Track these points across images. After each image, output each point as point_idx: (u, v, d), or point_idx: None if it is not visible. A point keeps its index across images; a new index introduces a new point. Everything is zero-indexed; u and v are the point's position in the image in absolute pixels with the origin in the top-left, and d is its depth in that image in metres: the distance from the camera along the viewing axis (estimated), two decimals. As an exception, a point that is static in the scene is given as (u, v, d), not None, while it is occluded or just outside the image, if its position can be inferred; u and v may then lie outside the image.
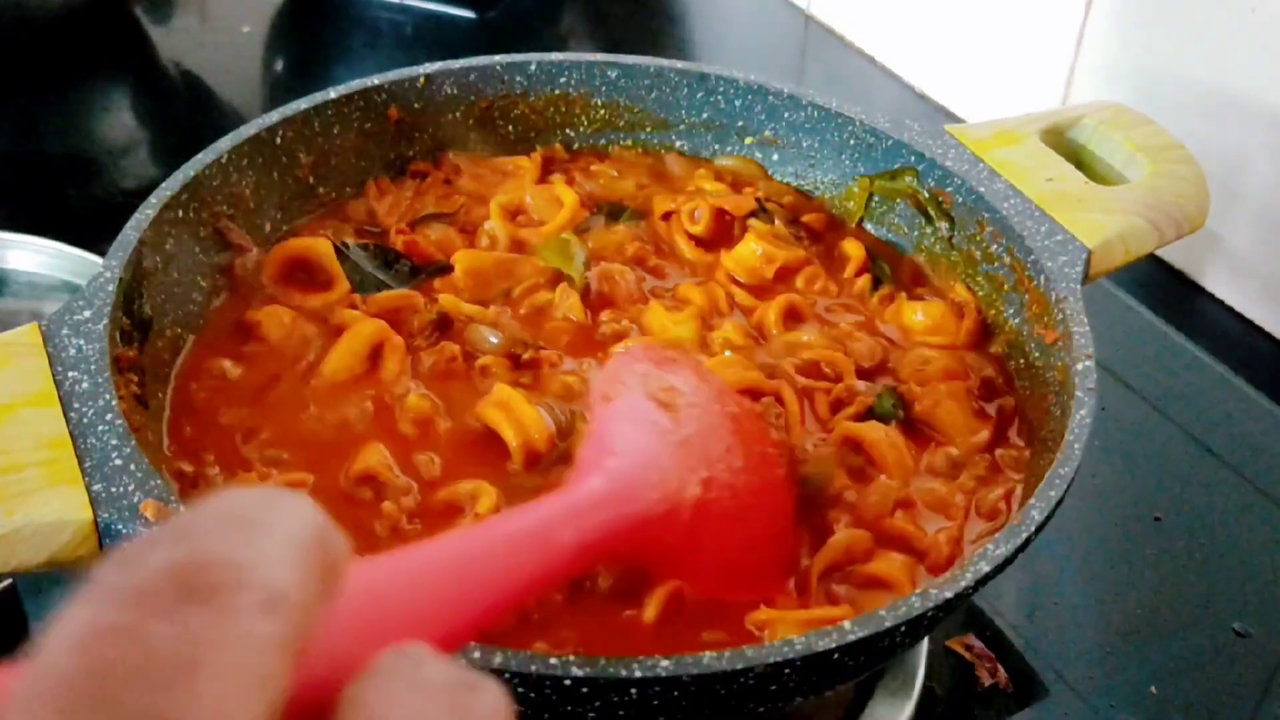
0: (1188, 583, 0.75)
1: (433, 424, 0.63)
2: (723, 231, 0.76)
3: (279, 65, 1.26)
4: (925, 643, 0.67)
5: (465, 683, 0.26)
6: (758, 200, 0.77)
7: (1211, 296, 0.98)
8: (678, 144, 0.83)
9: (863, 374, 0.68)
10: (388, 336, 0.66)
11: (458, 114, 0.80)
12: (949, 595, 0.50)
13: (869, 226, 0.79)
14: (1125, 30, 0.98)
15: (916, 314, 0.72)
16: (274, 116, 0.72)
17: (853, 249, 0.76)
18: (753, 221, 0.76)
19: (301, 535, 0.25)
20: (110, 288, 0.60)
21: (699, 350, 0.68)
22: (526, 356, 0.66)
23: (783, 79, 0.80)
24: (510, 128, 0.82)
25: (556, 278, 0.72)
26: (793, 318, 0.72)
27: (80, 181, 1.06)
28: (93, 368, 0.57)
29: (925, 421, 0.66)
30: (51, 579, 0.65)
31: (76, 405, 0.55)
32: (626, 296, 0.72)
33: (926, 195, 0.75)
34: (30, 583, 0.67)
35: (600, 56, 0.81)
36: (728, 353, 0.68)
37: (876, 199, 0.78)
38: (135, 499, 0.51)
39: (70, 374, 0.56)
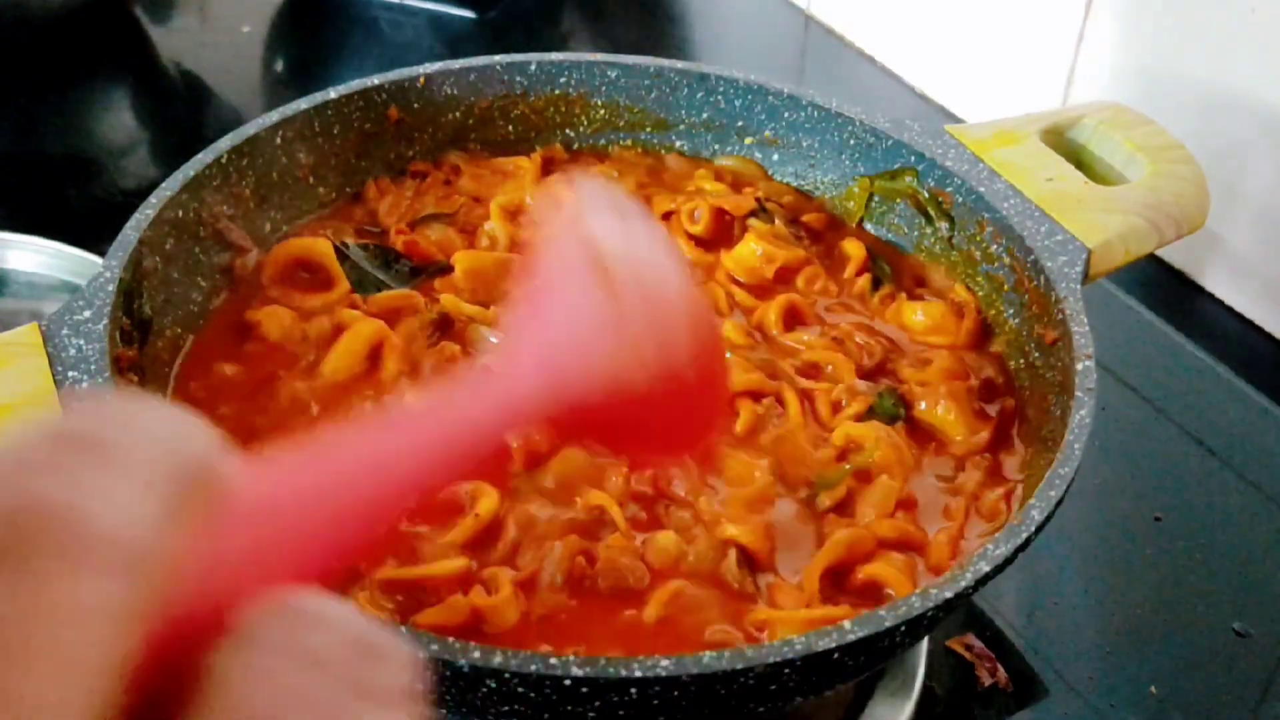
0: (1188, 583, 0.75)
1: (433, 424, 0.63)
2: (723, 231, 0.76)
3: (279, 65, 1.26)
4: (925, 643, 0.67)
5: (361, 649, 0.22)
6: (758, 200, 0.77)
7: (1211, 296, 0.98)
8: (678, 144, 0.83)
9: (863, 374, 0.68)
10: (387, 337, 0.66)
11: (458, 114, 0.80)
12: (949, 595, 0.50)
13: (869, 226, 0.79)
14: (1125, 30, 0.98)
15: (916, 314, 0.72)
16: (274, 116, 0.72)
17: (853, 249, 0.76)
18: (753, 221, 0.76)
19: (166, 459, 0.21)
20: (110, 288, 0.60)
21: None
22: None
23: (783, 79, 0.80)
24: (510, 128, 0.82)
25: (556, 278, 0.72)
26: (793, 318, 0.72)
27: (80, 181, 1.06)
28: (93, 368, 0.57)
29: (925, 421, 0.66)
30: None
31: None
32: (626, 296, 0.72)
33: (926, 195, 0.75)
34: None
35: (600, 56, 0.81)
36: (728, 354, 0.68)
37: (876, 199, 0.78)
38: (135, 499, 0.51)
39: (70, 374, 0.56)
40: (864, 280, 0.74)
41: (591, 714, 0.48)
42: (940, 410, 0.66)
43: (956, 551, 0.59)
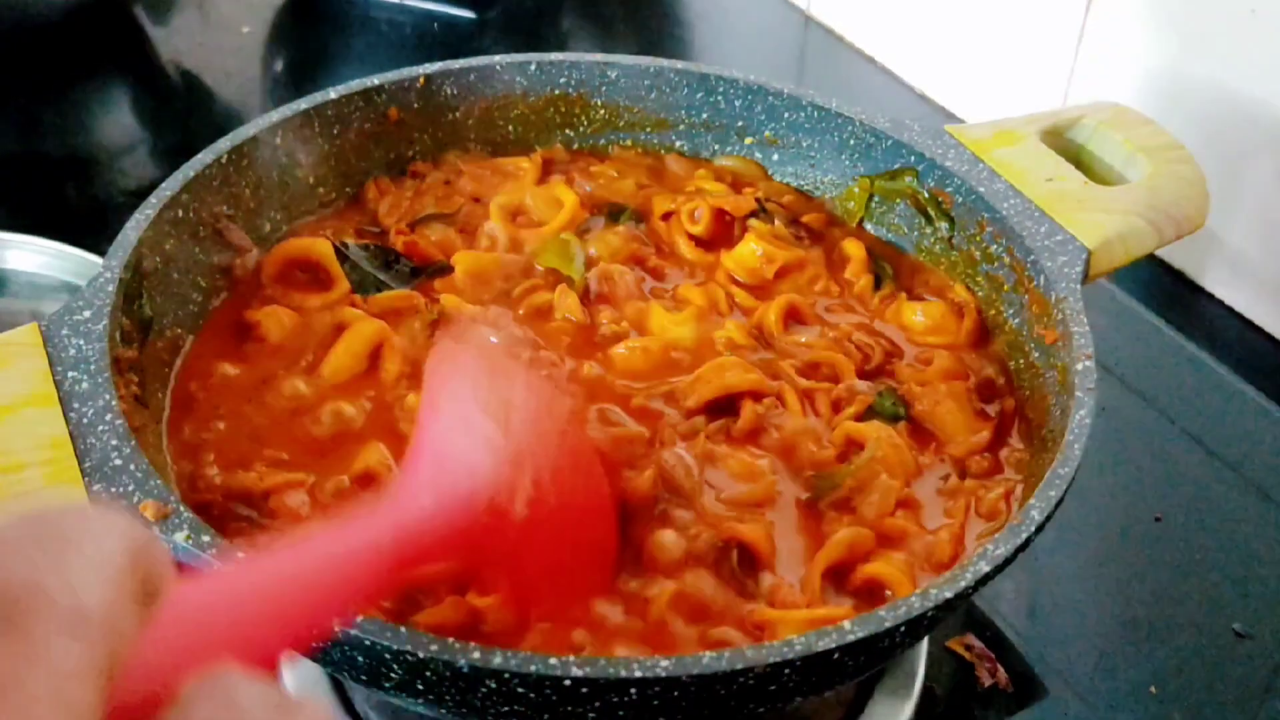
0: (1188, 583, 0.75)
1: (433, 424, 0.63)
2: (723, 232, 0.76)
3: (279, 65, 1.26)
4: (925, 643, 0.67)
5: (280, 705, 0.26)
6: (758, 200, 0.77)
7: (1211, 296, 0.98)
8: (678, 144, 0.83)
9: (863, 374, 0.68)
10: (388, 337, 0.66)
11: (458, 114, 0.80)
12: (949, 595, 0.50)
13: (869, 226, 0.79)
14: (1125, 30, 0.98)
15: (916, 314, 0.72)
16: (274, 116, 0.73)
17: (853, 249, 0.76)
18: (753, 222, 0.76)
19: (115, 552, 0.25)
20: (110, 288, 0.60)
21: (699, 350, 0.68)
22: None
23: (783, 79, 0.80)
24: (510, 128, 0.82)
25: (556, 278, 0.72)
26: (793, 318, 0.72)
27: (80, 181, 1.06)
28: (93, 368, 0.57)
29: (926, 421, 0.66)
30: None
31: (76, 405, 0.55)
32: (626, 297, 0.72)
33: (926, 195, 0.75)
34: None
35: (600, 56, 0.81)
36: (728, 353, 0.68)
37: (876, 199, 0.78)
38: (135, 499, 0.51)
39: (70, 374, 0.56)
40: (865, 280, 0.74)
41: (591, 714, 0.48)
42: (940, 410, 0.66)
43: (958, 551, 0.59)
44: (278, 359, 0.66)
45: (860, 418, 0.65)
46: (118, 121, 1.16)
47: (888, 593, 0.57)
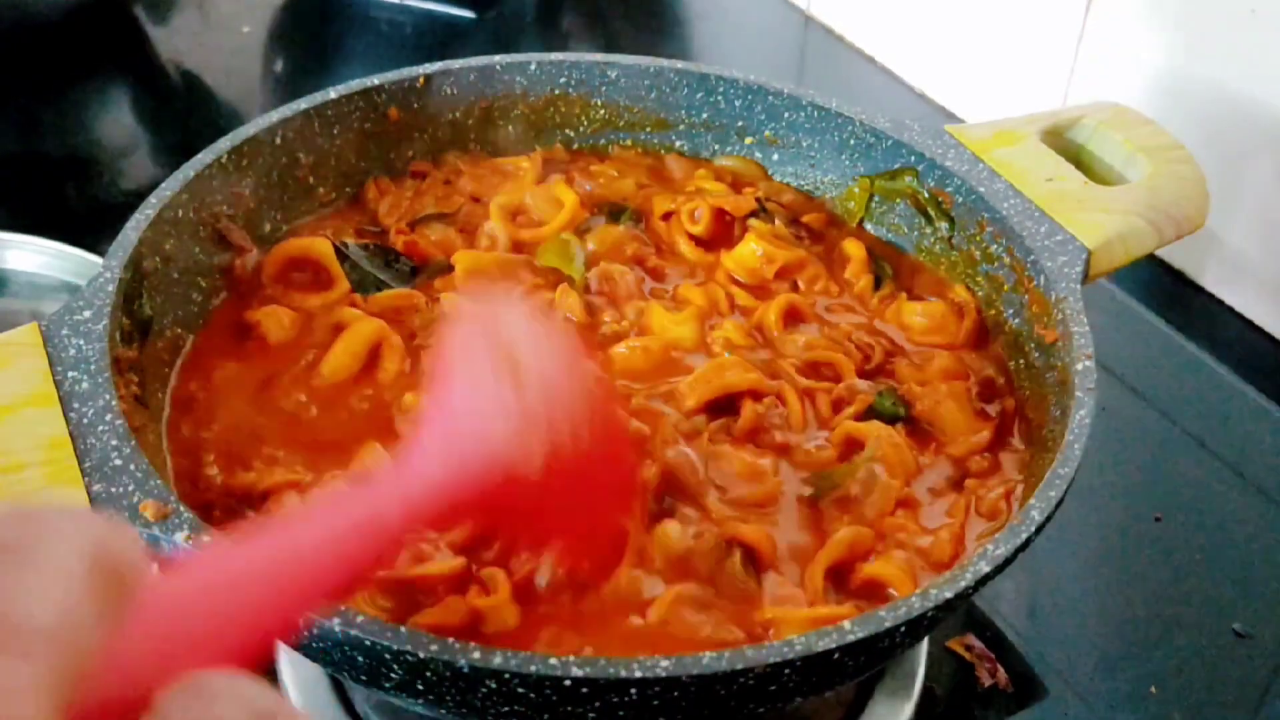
0: (1188, 583, 0.75)
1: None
2: (723, 232, 0.76)
3: (279, 65, 1.26)
4: (925, 643, 0.67)
5: (262, 713, 0.25)
6: (758, 200, 0.77)
7: (1211, 296, 0.98)
8: (678, 144, 0.83)
9: (863, 374, 0.68)
10: (386, 337, 0.66)
11: (458, 114, 0.80)
12: (949, 595, 0.50)
13: (869, 226, 0.79)
14: (1125, 30, 0.98)
15: (916, 314, 0.72)
16: (274, 116, 0.73)
17: (853, 249, 0.76)
18: (753, 222, 0.76)
19: (76, 558, 0.24)
20: (110, 288, 0.60)
21: (699, 351, 0.68)
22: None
23: (783, 79, 0.80)
24: (510, 128, 0.82)
25: (556, 278, 0.72)
26: (793, 318, 0.72)
27: (80, 181, 1.06)
28: (93, 368, 0.57)
29: (926, 421, 0.66)
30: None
31: (76, 405, 0.55)
32: (626, 297, 0.72)
33: (926, 195, 0.75)
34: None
35: (600, 56, 0.81)
36: (727, 354, 0.68)
37: (876, 199, 0.78)
38: (135, 499, 0.51)
39: (70, 374, 0.56)
40: (865, 280, 0.74)
41: (591, 714, 0.48)
42: (940, 410, 0.66)
43: (958, 551, 0.59)
44: (278, 359, 0.66)
45: (860, 418, 0.65)
46: (118, 121, 1.16)
47: (890, 591, 0.57)
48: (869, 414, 0.65)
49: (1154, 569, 0.76)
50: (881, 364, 0.69)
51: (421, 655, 0.46)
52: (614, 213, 0.77)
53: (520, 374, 0.49)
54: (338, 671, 0.53)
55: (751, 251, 0.74)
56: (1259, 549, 0.77)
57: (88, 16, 1.20)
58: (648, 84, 0.81)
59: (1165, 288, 0.99)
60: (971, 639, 0.70)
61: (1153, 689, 0.69)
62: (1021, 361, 0.69)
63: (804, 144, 0.80)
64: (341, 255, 0.72)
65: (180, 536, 0.50)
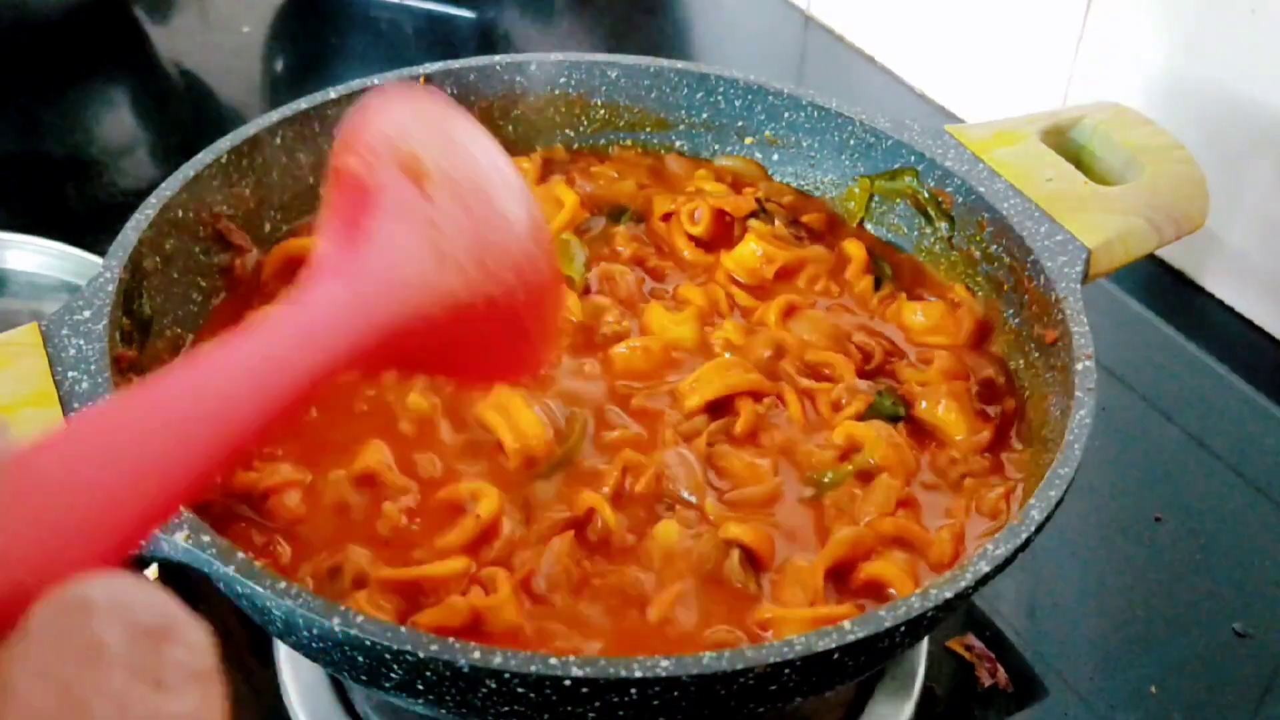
0: (1188, 583, 0.75)
1: (433, 424, 0.63)
2: (723, 232, 0.76)
3: (279, 65, 1.26)
4: (925, 643, 0.67)
5: (148, 634, 0.21)
6: (758, 200, 0.77)
7: (1211, 296, 0.98)
8: (678, 144, 0.83)
9: (863, 374, 0.68)
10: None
11: (458, 114, 0.80)
12: (949, 595, 0.50)
13: (869, 226, 0.79)
14: (1125, 30, 0.98)
15: (916, 314, 0.72)
16: (274, 116, 0.72)
17: (854, 249, 0.76)
18: (753, 222, 0.76)
19: None
20: (110, 288, 0.60)
21: (699, 351, 0.68)
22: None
23: (783, 79, 0.80)
24: (510, 128, 0.81)
25: (556, 278, 0.72)
26: (793, 318, 0.72)
27: (80, 181, 1.06)
28: (93, 368, 0.57)
29: (926, 421, 0.66)
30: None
31: (76, 405, 0.55)
32: (626, 297, 0.72)
33: (926, 195, 0.75)
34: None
35: (600, 56, 0.81)
36: (727, 354, 0.68)
37: (877, 199, 0.78)
38: (135, 499, 0.51)
39: (70, 374, 0.56)
40: (865, 281, 0.74)
41: (591, 714, 0.48)
42: (940, 410, 0.66)
43: (958, 550, 0.60)
44: (278, 359, 0.66)
45: (860, 418, 0.65)
46: (118, 121, 1.16)
47: (890, 591, 0.57)
48: (869, 414, 0.65)
49: (1154, 569, 0.76)
50: (881, 364, 0.69)
51: (421, 655, 0.46)
52: (614, 213, 0.77)
53: (432, 187, 0.42)
54: (338, 671, 0.53)
55: (751, 252, 0.74)
56: (1259, 549, 0.77)
57: (88, 16, 1.20)
58: (648, 84, 0.81)
59: (1165, 288, 0.99)
60: (971, 639, 0.70)
61: (1153, 689, 0.69)
62: (1021, 361, 0.69)
63: (804, 144, 0.80)
64: (341, 255, 0.72)
65: (180, 536, 0.50)
